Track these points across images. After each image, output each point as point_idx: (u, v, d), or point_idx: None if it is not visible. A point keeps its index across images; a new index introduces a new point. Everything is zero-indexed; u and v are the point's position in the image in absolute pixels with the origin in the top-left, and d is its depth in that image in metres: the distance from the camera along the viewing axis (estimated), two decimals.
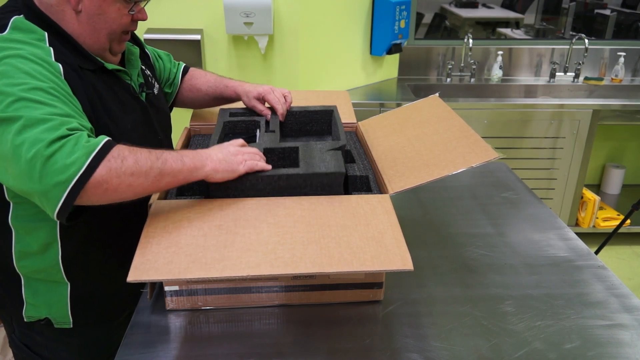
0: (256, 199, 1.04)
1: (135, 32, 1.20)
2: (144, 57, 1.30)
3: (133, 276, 0.85)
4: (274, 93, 1.36)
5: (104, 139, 0.88)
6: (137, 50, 1.22)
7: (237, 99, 1.41)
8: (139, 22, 1.11)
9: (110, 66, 1.08)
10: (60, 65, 0.96)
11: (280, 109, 1.35)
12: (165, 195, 1.12)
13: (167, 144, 1.27)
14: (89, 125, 0.93)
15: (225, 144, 1.08)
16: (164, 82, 1.40)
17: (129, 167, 0.88)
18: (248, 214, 0.99)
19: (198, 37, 2.47)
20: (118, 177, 0.87)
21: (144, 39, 2.36)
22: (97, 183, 0.85)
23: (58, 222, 1.05)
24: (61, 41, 1.00)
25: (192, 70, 1.46)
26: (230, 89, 1.40)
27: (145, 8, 1.11)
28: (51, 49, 0.97)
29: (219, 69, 2.58)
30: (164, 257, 0.88)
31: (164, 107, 1.31)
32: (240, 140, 1.11)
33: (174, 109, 1.47)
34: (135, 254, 0.89)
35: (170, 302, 1.06)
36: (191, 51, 2.48)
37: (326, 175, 1.06)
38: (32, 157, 0.82)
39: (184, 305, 1.06)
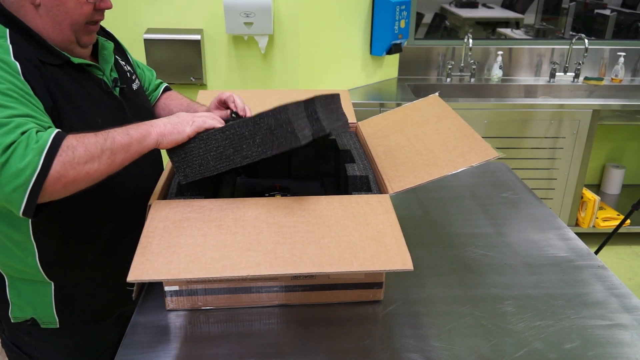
0: (256, 199, 1.04)
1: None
2: (120, 52, 1.27)
3: (133, 276, 0.85)
4: (235, 102, 1.26)
5: (52, 133, 0.87)
6: (110, 45, 1.19)
7: None
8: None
9: (77, 60, 1.06)
10: (18, 64, 0.94)
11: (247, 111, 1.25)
12: (165, 195, 1.12)
13: None
14: (48, 124, 0.92)
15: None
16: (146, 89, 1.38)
17: (81, 156, 0.88)
18: (248, 214, 0.99)
19: (198, 37, 2.47)
20: (73, 169, 0.87)
21: (144, 39, 2.30)
22: (54, 180, 0.85)
23: (30, 223, 1.05)
24: (24, 37, 0.99)
25: (171, 92, 1.44)
26: None
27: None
28: (10, 46, 0.96)
29: (219, 69, 2.59)
30: (163, 257, 0.88)
31: (145, 104, 1.28)
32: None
33: None
34: (135, 254, 0.89)
35: (170, 302, 1.06)
36: (191, 51, 2.48)
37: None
38: None
39: (184, 305, 1.06)
